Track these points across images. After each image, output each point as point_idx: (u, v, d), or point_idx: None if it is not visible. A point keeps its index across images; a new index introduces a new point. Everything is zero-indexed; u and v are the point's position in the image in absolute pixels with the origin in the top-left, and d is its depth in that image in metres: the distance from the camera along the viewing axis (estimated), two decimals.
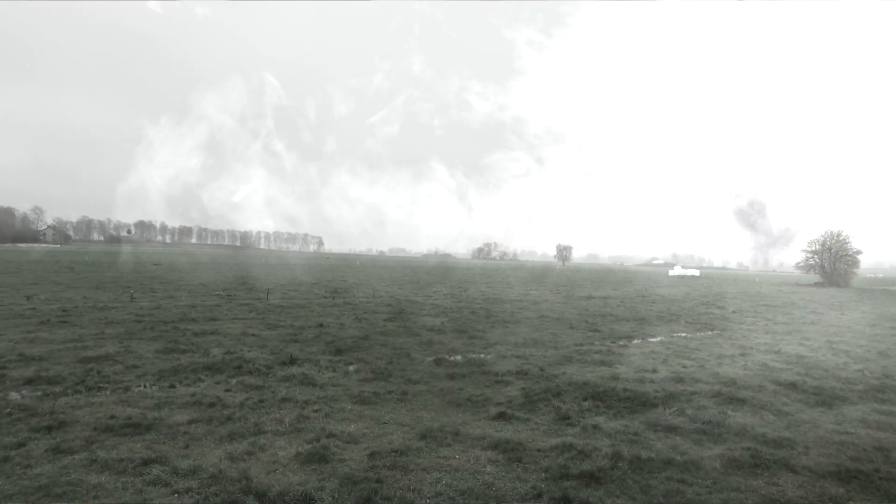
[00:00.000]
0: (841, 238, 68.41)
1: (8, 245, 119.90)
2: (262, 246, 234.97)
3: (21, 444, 6.43)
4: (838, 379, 11.81)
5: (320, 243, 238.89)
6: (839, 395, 10.37)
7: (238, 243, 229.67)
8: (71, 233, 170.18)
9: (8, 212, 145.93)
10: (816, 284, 66.76)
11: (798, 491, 6.02)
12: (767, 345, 16.43)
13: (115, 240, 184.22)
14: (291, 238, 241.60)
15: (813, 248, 70.31)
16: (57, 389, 8.87)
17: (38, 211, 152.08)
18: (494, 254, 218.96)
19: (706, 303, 32.84)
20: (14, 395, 8.47)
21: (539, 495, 5.64)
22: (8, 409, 7.64)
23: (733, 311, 27.69)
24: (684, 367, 12.66)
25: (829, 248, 68.59)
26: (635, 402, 9.31)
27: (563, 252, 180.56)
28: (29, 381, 9.24)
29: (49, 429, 6.98)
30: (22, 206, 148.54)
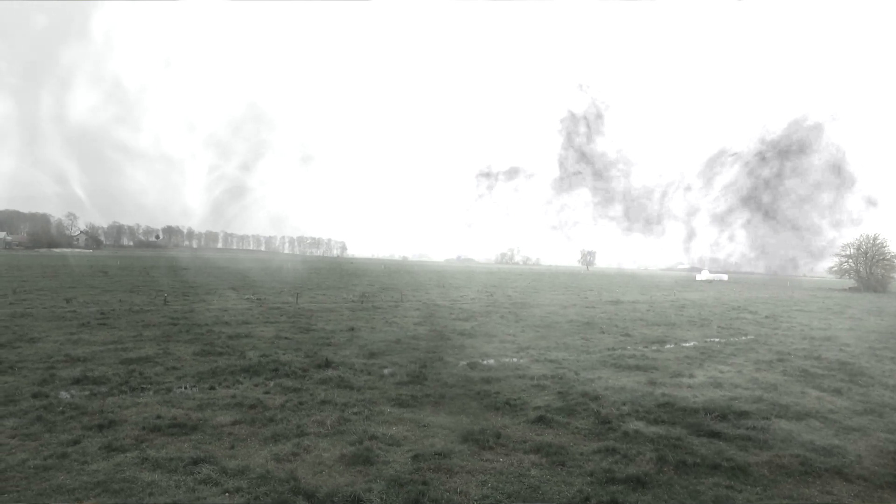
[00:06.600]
0: (878, 242, 65.99)
1: (43, 250, 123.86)
2: (286, 251, 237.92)
3: (76, 441, 6.64)
4: (886, 387, 11.44)
5: (343, 248, 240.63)
6: (889, 403, 10.04)
7: (263, 248, 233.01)
8: (102, 238, 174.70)
9: (44, 218, 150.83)
10: (851, 290, 64.58)
11: (854, 500, 5.85)
12: (806, 351, 16.00)
13: (144, 244, 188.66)
14: (315, 243, 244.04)
15: (847, 252, 67.88)
16: (103, 389, 9.13)
17: (71, 217, 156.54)
18: (517, 259, 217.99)
19: (738, 307, 32.14)
20: (64, 394, 8.74)
21: (587, 499, 5.60)
22: (61, 408, 7.89)
23: (766, 316, 27.02)
24: (721, 372, 12.42)
25: (865, 252, 66.21)
26: (674, 407, 9.17)
27: (588, 257, 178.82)
28: (76, 381, 9.54)
29: (100, 427, 7.19)
30: (56, 213, 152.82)
